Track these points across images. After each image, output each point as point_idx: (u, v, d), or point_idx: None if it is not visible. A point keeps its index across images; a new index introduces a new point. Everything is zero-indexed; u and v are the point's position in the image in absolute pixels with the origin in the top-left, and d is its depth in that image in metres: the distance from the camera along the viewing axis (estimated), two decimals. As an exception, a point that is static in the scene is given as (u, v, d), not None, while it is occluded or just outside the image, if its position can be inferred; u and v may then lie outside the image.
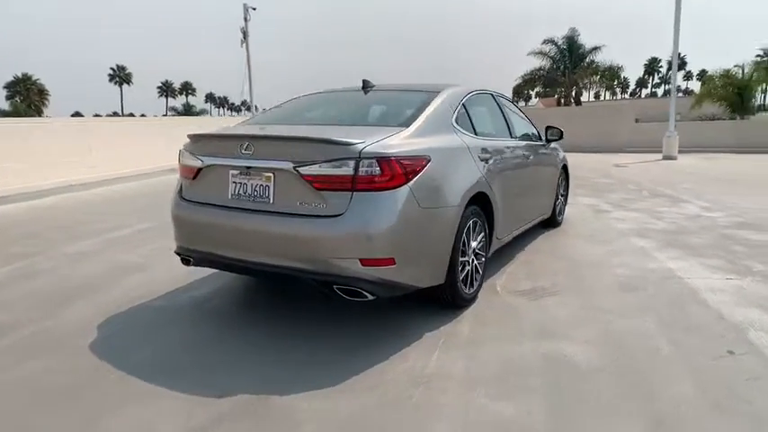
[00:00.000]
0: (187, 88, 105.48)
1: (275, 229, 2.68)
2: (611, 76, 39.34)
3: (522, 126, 4.63)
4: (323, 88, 4.27)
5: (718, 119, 25.46)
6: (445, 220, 2.84)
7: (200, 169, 3.00)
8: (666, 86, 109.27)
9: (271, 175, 2.74)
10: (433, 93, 3.43)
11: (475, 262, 3.23)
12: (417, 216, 2.64)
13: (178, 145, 3.23)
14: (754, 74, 26.63)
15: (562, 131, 4.99)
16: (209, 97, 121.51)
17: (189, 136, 3.12)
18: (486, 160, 3.38)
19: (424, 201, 2.68)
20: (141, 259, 4.52)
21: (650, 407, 2.17)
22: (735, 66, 28.47)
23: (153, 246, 4.93)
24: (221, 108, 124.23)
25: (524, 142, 4.41)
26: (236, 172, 2.86)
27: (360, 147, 2.57)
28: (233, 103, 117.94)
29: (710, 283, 3.69)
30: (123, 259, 4.55)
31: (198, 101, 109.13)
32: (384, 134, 2.76)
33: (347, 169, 2.55)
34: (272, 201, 2.75)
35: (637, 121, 21.75)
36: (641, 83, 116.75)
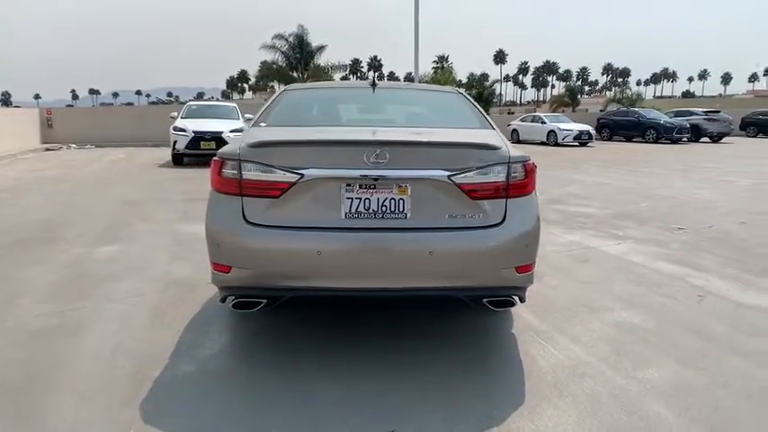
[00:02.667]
0: None
1: (417, 248, 2.37)
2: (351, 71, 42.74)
3: None
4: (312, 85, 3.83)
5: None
6: None
7: (292, 185, 2.40)
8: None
9: (407, 186, 2.41)
10: (455, 92, 3.48)
11: None
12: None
13: None
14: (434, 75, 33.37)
15: None
16: None
17: (267, 142, 2.47)
18: None
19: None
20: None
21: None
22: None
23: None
24: None
25: None
26: (352, 185, 2.41)
27: (506, 151, 2.52)
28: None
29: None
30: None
31: None
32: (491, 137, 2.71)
33: (500, 175, 2.47)
34: (408, 216, 2.42)
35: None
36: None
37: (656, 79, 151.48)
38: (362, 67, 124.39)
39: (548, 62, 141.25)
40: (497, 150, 2.50)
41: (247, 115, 14.29)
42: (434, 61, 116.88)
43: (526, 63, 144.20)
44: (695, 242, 5.12)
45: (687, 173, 11.30)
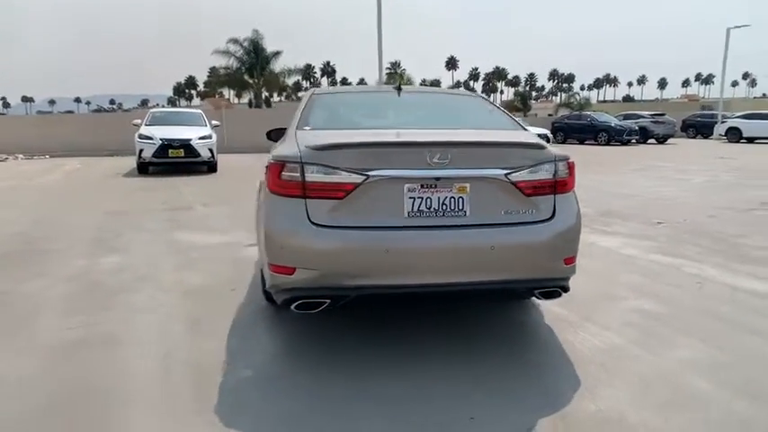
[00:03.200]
0: None
1: (479, 244, 2.49)
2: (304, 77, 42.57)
3: None
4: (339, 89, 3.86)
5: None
6: None
7: (357, 186, 2.45)
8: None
9: (466, 185, 2.52)
10: (477, 96, 3.62)
11: None
12: None
13: None
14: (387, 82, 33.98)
15: None
16: None
17: (332, 145, 2.50)
18: None
19: None
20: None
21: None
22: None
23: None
24: None
25: None
26: (414, 185, 2.48)
27: (551, 151, 2.68)
28: None
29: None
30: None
31: None
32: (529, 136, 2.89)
33: (549, 173, 2.62)
34: (467, 213, 2.52)
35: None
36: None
37: (598, 84, 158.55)
38: (315, 72, 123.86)
39: (497, 68, 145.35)
40: (545, 150, 2.67)
41: (214, 122, 14.07)
42: (387, 67, 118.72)
43: (477, 69, 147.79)
44: (677, 235, 5.48)
45: (645, 172, 11.99)
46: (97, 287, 3.85)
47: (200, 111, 15.21)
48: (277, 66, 37.16)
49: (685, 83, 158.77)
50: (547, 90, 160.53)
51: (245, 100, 45.90)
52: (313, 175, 2.47)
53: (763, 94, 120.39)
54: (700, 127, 29.39)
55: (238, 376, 2.54)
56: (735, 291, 3.74)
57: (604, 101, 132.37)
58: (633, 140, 24.52)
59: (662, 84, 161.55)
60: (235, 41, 35.59)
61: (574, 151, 16.85)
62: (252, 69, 36.52)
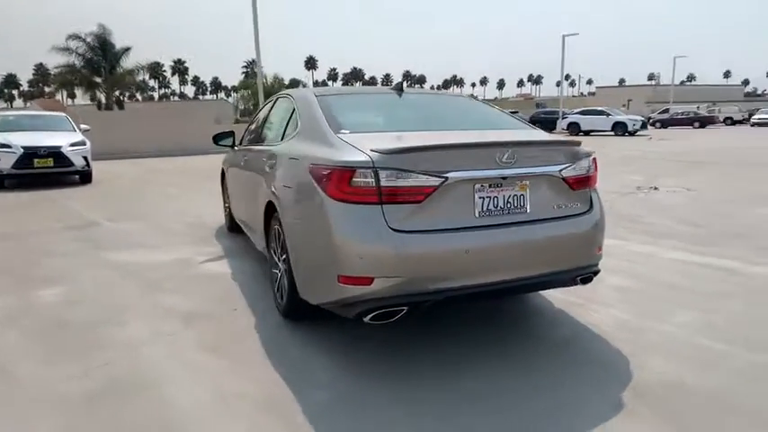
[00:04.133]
0: None
1: (540, 239, 2.63)
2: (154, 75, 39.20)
3: None
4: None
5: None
6: None
7: (435, 188, 2.43)
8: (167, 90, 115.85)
9: (527, 182, 2.65)
10: (470, 97, 3.75)
11: None
12: None
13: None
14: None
15: None
16: None
17: (407, 148, 2.47)
18: None
19: None
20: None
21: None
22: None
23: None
24: None
25: None
26: (483, 185, 2.55)
27: (585, 148, 2.90)
28: None
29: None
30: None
31: None
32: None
33: (586, 168, 2.84)
34: (528, 210, 2.65)
35: (218, 122, 23.41)
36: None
37: (446, 85, 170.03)
38: (165, 71, 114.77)
39: (355, 69, 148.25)
40: (581, 146, 2.90)
41: (83, 126, 12.43)
42: (244, 66, 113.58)
43: (335, 70, 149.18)
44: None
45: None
46: (64, 324, 3.27)
47: (64, 114, 13.33)
48: (129, 63, 33.92)
49: (520, 83, 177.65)
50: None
51: (82, 100, 41.08)
52: (390, 181, 2.40)
53: (581, 93, 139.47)
54: (544, 122, 33.21)
55: (316, 400, 2.38)
56: (674, 262, 4.41)
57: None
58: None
59: (500, 84, 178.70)
60: (76, 37, 31.67)
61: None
62: (99, 68, 32.86)
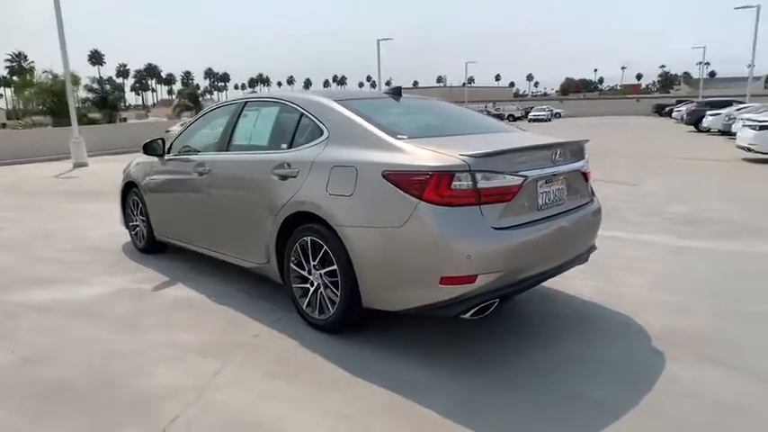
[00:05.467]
0: None
1: (575, 226, 3.05)
2: None
3: None
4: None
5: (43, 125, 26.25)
6: None
7: (520, 187, 2.69)
8: None
9: (565, 177, 3.04)
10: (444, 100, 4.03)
11: None
12: None
13: None
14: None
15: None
16: None
17: (496, 152, 2.67)
18: None
19: None
20: None
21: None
22: (44, 71, 29.21)
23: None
24: None
25: None
26: (543, 181, 2.87)
27: None
28: None
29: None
30: None
31: None
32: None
33: (588, 163, 3.32)
34: (565, 201, 3.04)
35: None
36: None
37: (252, 84, 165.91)
38: None
39: (150, 65, 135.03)
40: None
41: None
42: (7, 60, 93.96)
43: (125, 66, 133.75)
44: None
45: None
46: (103, 401, 2.62)
47: None
48: None
49: (326, 83, 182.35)
50: (202, 89, 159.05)
51: None
52: (485, 182, 2.57)
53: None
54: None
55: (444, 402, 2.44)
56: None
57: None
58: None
59: (307, 84, 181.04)
60: None
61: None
62: None
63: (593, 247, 3.43)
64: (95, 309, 3.69)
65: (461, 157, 2.57)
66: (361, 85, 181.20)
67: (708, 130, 21.68)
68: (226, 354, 2.94)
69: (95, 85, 35.30)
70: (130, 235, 5.32)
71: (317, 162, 3.07)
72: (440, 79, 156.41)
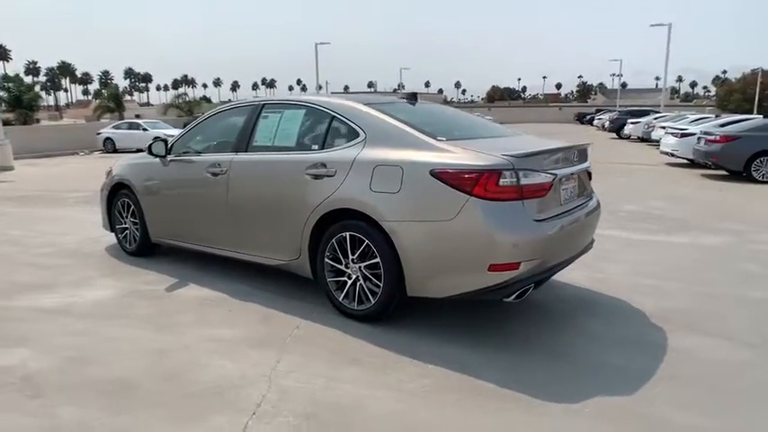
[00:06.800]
0: None
1: (586, 219, 3.41)
2: None
3: None
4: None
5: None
6: None
7: (551, 184, 3.05)
8: None
9: (578, 175, 3.42)
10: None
11: None
12: None
13: None
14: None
15: None
16: None
17: (533, 152, 3.05)
18: None
19: None
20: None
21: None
22: None
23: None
24: None
25: None
26: (564, 179, 3.23)
27: None
28: None
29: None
30: None
31: None
32: None
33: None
34: (577, 197, 3.40)
35: None
36: None
37: (176, 85, 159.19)
38: None
39: (63, 63, 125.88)
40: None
41: None
42: None
43: (36, 63, 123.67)
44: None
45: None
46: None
47: None
48: None
49: (254, 86, 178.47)
50: (121, 89, 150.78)
51: None
52: (526, 179, 2.90)
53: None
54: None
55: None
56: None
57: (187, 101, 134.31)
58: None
59: (234, 86, 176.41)
60: None
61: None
62: None
63: (593, 240, 3.86)
64: (115, 310, 3.66)
65: (505, 157, 2.89)
66: (291, 88, 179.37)
67: (629, 137, 23.64)
68: (278, 345, 3.06)
69: (9, 84, 32.57)
70: (117, 238, 5.19)
71: (357, 162, 3.26)
72: (370, 84, 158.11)
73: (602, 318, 3.52)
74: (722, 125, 12.39)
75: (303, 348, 3.03)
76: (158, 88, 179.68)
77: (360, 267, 3.27)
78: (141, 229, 4.85)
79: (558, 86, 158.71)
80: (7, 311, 3.65)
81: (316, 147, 3.58)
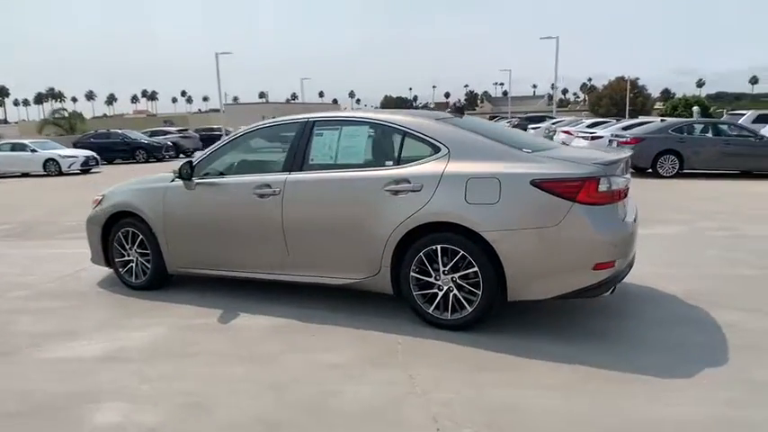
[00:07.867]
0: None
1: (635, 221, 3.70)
2: None
3: None
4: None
5: None
6: None
7: (627, 188, 3.44)
8: None
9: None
10: None
11: None
12: None
13: None
14: None
15: None
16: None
17: (612, 161, 3.31)
18: None
19: None
20: None
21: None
22: None
23: None
24: None
25: None
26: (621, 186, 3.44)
27: None
28: None
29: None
30: None
31: None
32: None
33: None
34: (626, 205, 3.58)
35: None
36: None
37: (40, 99, 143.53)
38: None
39: None
40: None
41: None
42: None
43: None
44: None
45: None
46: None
47: None
48: None
49: (134, 99, 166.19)
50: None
51: None
52: (614, 185, 3.23)
53: (199, 110, 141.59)
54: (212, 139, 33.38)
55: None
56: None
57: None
58: (168, 156, 25.28)
59: (110, 100, 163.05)
60: None
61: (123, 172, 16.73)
62: None
63: None
64: (183, 349, 3.40)
65: (597, 165, 3.19)
66: (174, 100, 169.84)
67: (529, 142, 25.68)
68: (395, 362, 3.09)
69: None
70: (117, 273, 4.74)
71: (446, 176, 3.36)
72: (262, 95, 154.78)
73: (647, 304, 3.94)
74: (625, 128, 14.05)
75: (423, 361, 3.08)
76: (16, 103, 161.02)
77: (453, 278, 3.36)
78: (154, 261, 4.48)
79: (447, 95, 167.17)
80: (53, 364, 3.22)
81: (390, 163, 3.62)
